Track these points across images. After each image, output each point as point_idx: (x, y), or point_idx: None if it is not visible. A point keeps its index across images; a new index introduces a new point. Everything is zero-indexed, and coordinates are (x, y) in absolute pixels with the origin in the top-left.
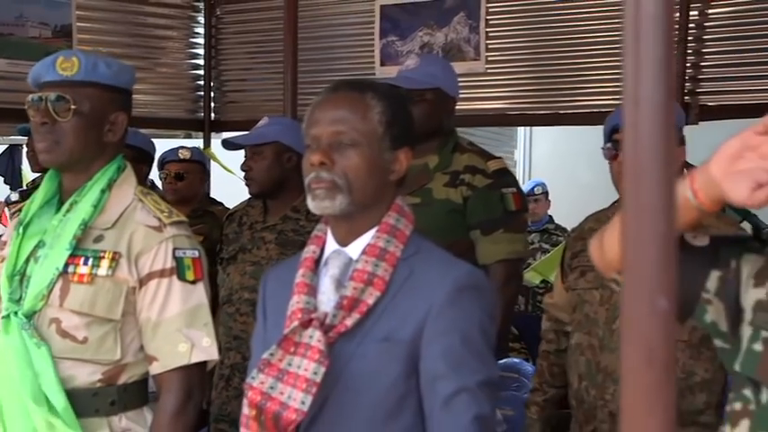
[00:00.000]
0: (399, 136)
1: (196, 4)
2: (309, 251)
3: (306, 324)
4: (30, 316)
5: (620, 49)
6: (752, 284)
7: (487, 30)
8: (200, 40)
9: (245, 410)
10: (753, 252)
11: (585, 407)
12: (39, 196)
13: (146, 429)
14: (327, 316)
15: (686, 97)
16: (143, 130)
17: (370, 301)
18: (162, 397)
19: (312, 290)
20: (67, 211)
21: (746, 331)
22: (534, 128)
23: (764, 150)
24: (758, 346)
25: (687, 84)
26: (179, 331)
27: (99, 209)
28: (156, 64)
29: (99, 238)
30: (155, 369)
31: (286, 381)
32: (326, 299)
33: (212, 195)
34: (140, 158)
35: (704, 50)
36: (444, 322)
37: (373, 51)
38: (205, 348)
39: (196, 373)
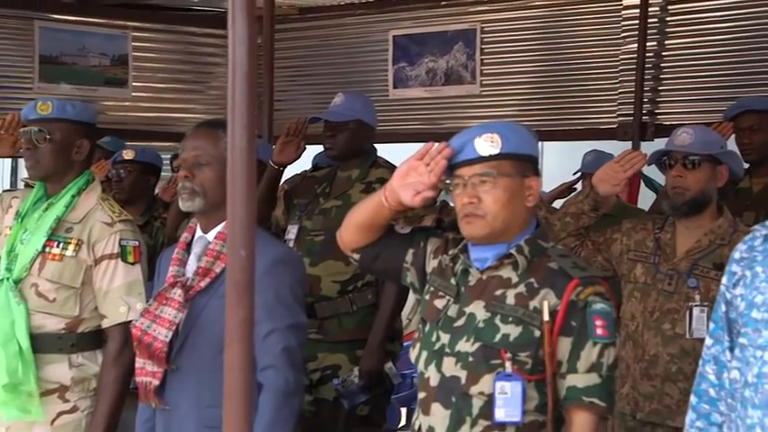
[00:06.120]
0: None
1: None
2: (183, 237)
3: (173, 284)
4: (17, 281)
5: (596, 74)
6: (432, 257)
7: (482, 57)
8: None
9: (134, 342)
10: (435, 236)
11: None
12: (30, 197)
13: (96, 365)
14: (188, 280)
15: (644, 117)
16: None
17: (218, 270)
18: (108, 343)
19: (182, 263)
20: (45, 209)
21: (426, 287)
22: (545, 144)
23: (419, 171)
24: (427, 296)
25: (646, 105)
26: (120, 298)
27: (70, 208)
28: (207, 87)
29: (69, 229)
30: (104, 324)
31: (158, 323)
32: (191, 269)
33: None
34: (149, 171)
35: (661, 77)
36: (264, 283)
37: (387, 75)
38: (138, 311)
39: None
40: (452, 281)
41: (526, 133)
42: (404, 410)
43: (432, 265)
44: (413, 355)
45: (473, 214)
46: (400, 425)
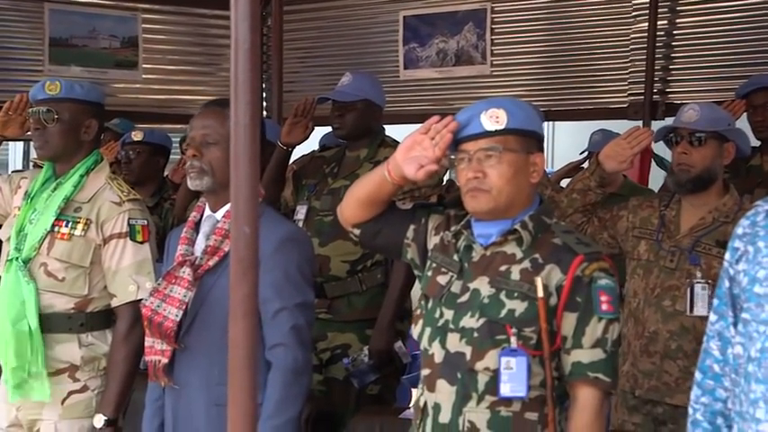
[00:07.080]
0: None
1: None
2: (191, 216)
3: (182, 263)
4: (26, 261)
5: (606, 53)
6: (433, 234)
7: (492, 37)
8: None
9: (144, 322)
10: (437, 213)
11: None
12: (39, 178)
13: (106, 344)
14: (197, 258)
15: (655, 96)
16: None
17: (226, 248)
18: (118, 322)
19: (191, 242)
20: (54, 189)
21: (428, 264)
22: (556, 123)
23: (424, 144)
24: (429, 273)
25: (657, 84)
26: (130, 277)
27: (78, 188)
28: (217, 69)
29: (78, 209)
30: (114, 303)
31: (168, 302)
32: (199, 248)
33: None
34: (158, 152)
35: (672, 55)
36: (273, 262)
37: (397, 56)
38: (147, 290)
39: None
40: (455, 257)
41: (531, 110)
42: (414, 390)
43: (433, 241)
44: (415, 331)
45: (478, 189)
46: (411, 404)
